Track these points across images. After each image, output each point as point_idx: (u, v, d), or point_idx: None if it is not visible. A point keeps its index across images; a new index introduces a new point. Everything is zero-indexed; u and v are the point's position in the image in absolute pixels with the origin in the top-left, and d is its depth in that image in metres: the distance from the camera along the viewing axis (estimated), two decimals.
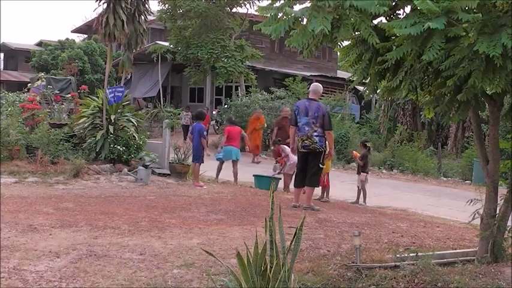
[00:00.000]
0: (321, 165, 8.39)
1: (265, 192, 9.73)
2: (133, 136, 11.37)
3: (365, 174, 10.13)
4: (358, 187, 10.16)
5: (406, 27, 3.58)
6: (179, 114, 20.43)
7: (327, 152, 8.42)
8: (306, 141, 8.28)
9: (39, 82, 17.80)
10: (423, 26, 3.50)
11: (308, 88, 21.78)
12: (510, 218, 4.98)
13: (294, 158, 11.23)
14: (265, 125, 17.24)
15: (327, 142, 8.34)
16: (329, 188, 10.00)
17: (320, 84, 9.00)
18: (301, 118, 8.33)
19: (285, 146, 11.78)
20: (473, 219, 5.11)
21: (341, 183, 11.62)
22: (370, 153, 10.35)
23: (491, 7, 3.75)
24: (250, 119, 17.70)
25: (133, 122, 11.62)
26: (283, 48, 28.67)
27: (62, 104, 14.83)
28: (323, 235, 6.33)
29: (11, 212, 6.87)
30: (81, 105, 12.54)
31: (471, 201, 5.10)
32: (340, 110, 21.57)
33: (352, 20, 3.74)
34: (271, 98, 20.41)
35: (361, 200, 10.07)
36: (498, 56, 3.56)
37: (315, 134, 8.24)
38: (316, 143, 8.23)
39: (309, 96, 8.65)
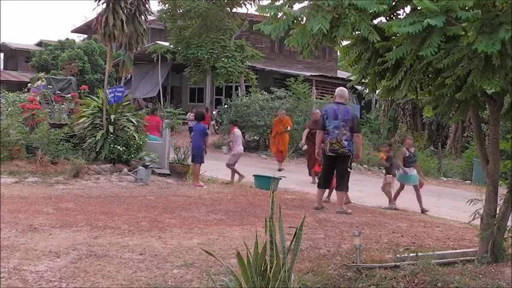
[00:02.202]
0: (349, 169, 8.47)
1: (265, 192, 9.73)
2: (134, 136, 11.36)
3: (390, 176, 9.69)
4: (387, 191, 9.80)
5: (405, 26, 3.58)
6: (179, 114, 20.40)
7: (354, 155, 8.49)
8: (334, 145, 8.32)
9: (39, 82, 17.77)
10: (422, 23, 3.50)
11: (309, 89, 21.49)
12: (510, 218, 4.98)
13: (238, 150, 11.52)
14: (289, 128, 15.50)
15: (354, 145, 8.44)
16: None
17: (345, 88, 9.06)
18: (330, 122, 8.39)
19: (237, 130, 11.88)
20: (473, 219, 5.12)
21: None
22: (393, 154, 9.89)
23: (490, 7, 3.75)
24: (273, 121, 16.34)
25: (133, 122, 11.62)
26: (283, 48, 28.66)
27: (62, 104, 14.83)
28: (323, 235, 6.34)
29: (11, 212, 6.87)
30: (81, 105, 12.54)
31: (471, 201, 5.11)
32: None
33: (351, 20, 3.74)
34: (272, 98, 20.39)
35: (387, 204, 9.66)
36: (497, 55, 3.56)
37: (344, 137, 8.33)
38: (345, 147, 8.32)
39: (336, 101, 8.77)
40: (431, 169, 15.61)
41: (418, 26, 3.53)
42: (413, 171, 9.71)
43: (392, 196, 9.66)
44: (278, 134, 15.09)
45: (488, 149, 5.08)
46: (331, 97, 22.60)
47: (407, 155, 9.71)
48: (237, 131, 12.03)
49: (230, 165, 11.66)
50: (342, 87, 9.19)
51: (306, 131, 12.52)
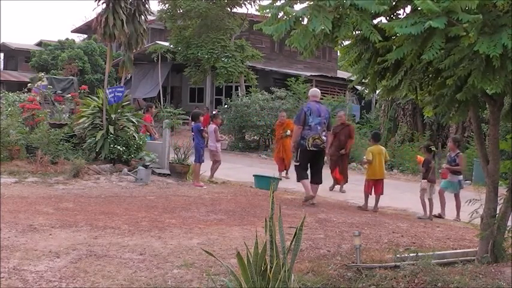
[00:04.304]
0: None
1: (265, 192, 9.73)
2: (133, 136, 11.36)
3: (425, 181, 8.64)
4: (428, 199, 8.64)
5: (406, 27, 3.57)
6: (179, 114, 20.41)
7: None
8: (317, 140, 8.91)
9: (39, 82, 17.79)
10: (424, 25, 3.49)
11: (309, 89, 21.40)
12: (510, 218, 4.98)
13: (208, 146, 11.30)
14: (289, 132, 13.44)
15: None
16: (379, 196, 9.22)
17: (316, 89, 9.91)
18: (314, 118, 8.94)
19: (211, 126, 11.58)
20: (472, 218, 5.12)
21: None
22: (435, 159, 8.74)
23: (491, 7, 3.75)
24: (275, 125, 14.80)
25: (133, 122, 11.61)
26: (283, 48, 28.67)
27: (63, 104, 14.85)
28: (323, 235, 6.33)
29: (11, 212, 6.87)
30: (83, 105, 12.53)
31: (470, 202, 5.11)
32: (341, 110, 21.53)
33: (353, 20, 3.74)
34: (272, 98, 20.38)
35: (420, 213, 8.70)
36: (497, 57, 3.55)
37: (324, 133, 9.04)
38: (324, 142, 9.05)
39: (312, 100, 9.37)
40: None
41: (419, 27, 3.51)
42: (454, 178, 8.88)
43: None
44: (279, 139, 13.62)
45: (489, 149, 5.07)
46: (332, 97, 22.67)
47: (448, 160, 9.02)
48: (209, 127, 11.63)
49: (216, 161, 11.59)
50: (314, 88, 9.98)
51: (331, 137, 11.20)
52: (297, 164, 9.10)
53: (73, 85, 22.41)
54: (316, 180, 9.15)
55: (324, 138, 8.97)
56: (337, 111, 14.03)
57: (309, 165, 9.11)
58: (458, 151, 9.06)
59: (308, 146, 8.83)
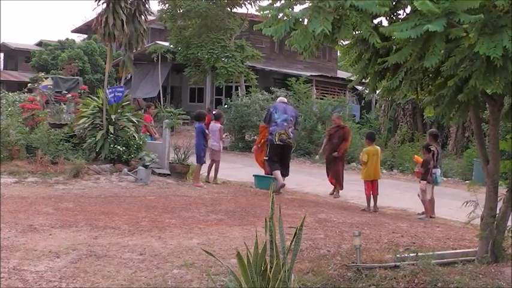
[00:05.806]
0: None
1: (265, 192, 9.73)
2: (134, 136, 11.35)
3: (425, 182, 8.43)
4: (428, 199, 8.55)
5: (406, 30, 3.55)
6: (179, 114, 20.39)
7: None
8: (283, 135, 9.93)
9: (41, 82, 17.80)
10: (423, 27, 3.48)
11: (309, 89, 21.67)
12: (510, 218, 4.98)
13: (208, 145, 11.38)
14: None
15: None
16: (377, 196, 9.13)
17: (282, 97, 11.52)
18: (280, 115, 10.04)
19: (212, 124, 11.58)
20: (470, 219, 5.12)
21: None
22: (435, 159, 8.55)
23: (491, 7, 3.74)
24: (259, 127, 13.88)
25: (133, 122, 11.60)
26: (283, 48, 28.65)
27: (65, 104, 14.87)
28: (323, 235, 6.34)
29: (11, 212, 6.88)
30: (83, 105, 12.52)
31: (467, 203, 5.10)
32: (341, 110, 21.52)
33: (352, 20, 3.73)
34: (272, 98, 20.37)
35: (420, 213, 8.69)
36: (498, 58, 3.54)
37: (290, 130, 10.06)
38: (290, 138, 10.08)
39: (279, 102, 10.66)
40: None
41: (419, 29, 3.49)
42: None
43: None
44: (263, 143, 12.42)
45: (489, 149, 5.07)
46: (332, 97, 22.65)
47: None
48: (214, 125, 11.60)
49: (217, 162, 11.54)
50: (280, 97, 11.53)
51: (326, 139, 11.02)
52: (267, 158, 10.23)
53: (78, 85, 22.54)
54: (283, 172, 10.14)
55: (290, 134, 10.05)
56: (337, 111, 14.04)
57: (277, 158, 10.17)
58: (435, 145, 8.90)
59: (275, 141, 9.91)
